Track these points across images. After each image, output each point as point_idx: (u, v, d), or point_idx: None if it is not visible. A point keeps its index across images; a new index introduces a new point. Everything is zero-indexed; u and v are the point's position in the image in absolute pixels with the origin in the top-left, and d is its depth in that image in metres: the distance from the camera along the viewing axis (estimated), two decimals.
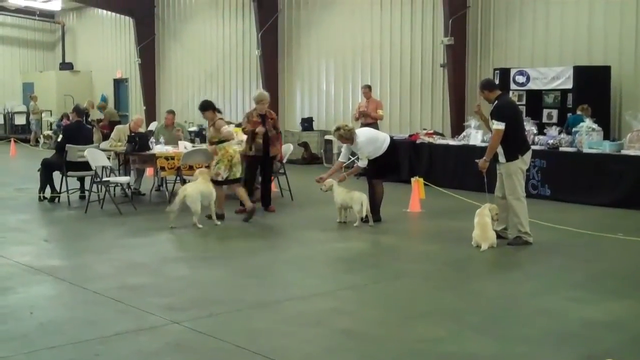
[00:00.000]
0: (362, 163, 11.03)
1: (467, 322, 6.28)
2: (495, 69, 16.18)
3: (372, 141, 11.01)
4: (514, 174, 9.18)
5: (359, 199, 10.63)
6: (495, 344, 5.74)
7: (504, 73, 15.65)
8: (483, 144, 13.85)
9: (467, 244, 9.14)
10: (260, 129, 11.66)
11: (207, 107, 11.50)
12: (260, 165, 11.99)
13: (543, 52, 16.01)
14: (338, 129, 10.95)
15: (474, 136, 14.41)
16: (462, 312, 6.56)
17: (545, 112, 15.17)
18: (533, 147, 12.98)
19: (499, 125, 9.05)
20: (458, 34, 17.05)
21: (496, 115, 9.16)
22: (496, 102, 9.29)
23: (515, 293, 7.29)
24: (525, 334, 5.94)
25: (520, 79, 15.37)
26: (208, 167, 11.38)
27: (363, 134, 11.12)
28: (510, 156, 9.14)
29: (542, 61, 15.87)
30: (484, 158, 9.24)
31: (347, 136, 10.86)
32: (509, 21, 16.64)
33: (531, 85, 15.21)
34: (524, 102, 15.40)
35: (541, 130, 13.81)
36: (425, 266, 8.49)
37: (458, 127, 16.23)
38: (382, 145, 11.00)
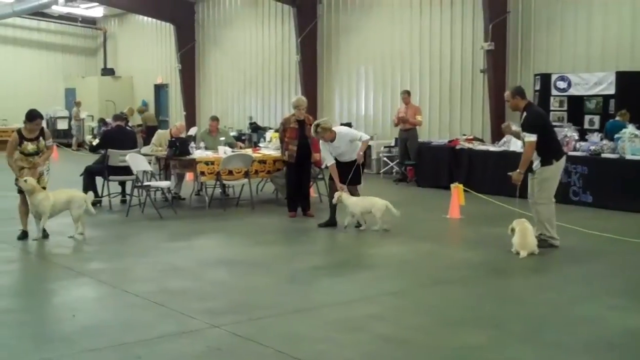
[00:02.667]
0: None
1: (508, 329, 6.24)
2: (535, 75, 16.06)
3: (352, 138, 11.03)
4: (548, 179, 9.25)
5: (383, 204, 10.63)
6: (536, 352, 5.69)
7: (545, 78, 15.53)
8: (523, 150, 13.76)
9: (507, 251, 9.07)
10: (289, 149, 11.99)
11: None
12: (301, 171, 12.05)
13: (585, 57, 15.82)
14: (317, 125, 10.96)
15: (514, 142, 14.26)
16: (502, 319, 6.52)
17: (587, 118, 15.00)
18: (574, 153, 13.00)
19: (530, 138, 9.05)
20: (498, 39, 16.93)
21: (527, 127, 9.15)
22: (525, 113, 9.25)
23: (555, 300, 7.22)
24: (567, 342, 5.88)
25: (562, 84, 15.23)
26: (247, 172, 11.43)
27: (342, 129, 11.19)
28: (546, 162, 9.18)
29: (583, 66, 15.69)
30: (518, 170, 9.21)
31: (328, 126, 10.89)
32: (550, 26, 16.48)
33: (572, 91, 15.06)
34: (565, 107, 15.28)
35: (583, 137, 13.66)
36: (464, 272, 8.44)
37: (498, 132, 16.09)
38: (356, 149, 11.00)
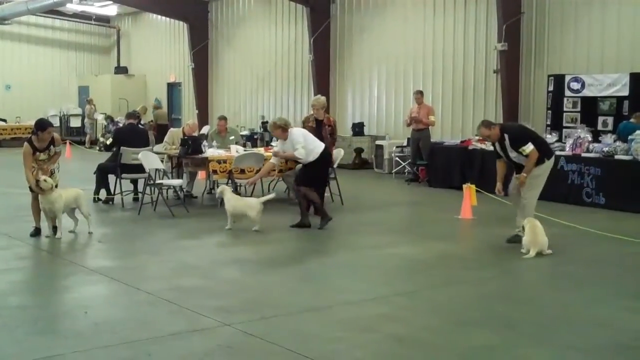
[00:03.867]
0: (299, 153, 10.79)
1: (520, 330, 6.21)
2: (549, 75, 16.02)
3: (307, 139, 10.90)
4: (540, 176, 9.66)
5: (257, 203, 10.65)
6: (548, 353, 5.67)
7: (559, 79, 15.49)
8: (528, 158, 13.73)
9: (519, 252, 9.04)
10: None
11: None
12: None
13: (599, 58, 15.75)
14: (274, 122, 11.01)
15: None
16: (515, 321, 6.49)
17: (601, 119, 14.96)
18: (587, 154, 12.99)
19: (529, 147, 9.44)
20: (512, 39, 16.88)
21: (518, 142, 9.52)
22: (506, 135, 9.61)
23: (568, 302, 7.19)
24: (580, 344, 5.86)
25: (575, 85, 15.19)
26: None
27: (295, 133, 11.01)
28: (539, 162, 9.57)
29: (597, 67, 15.63)
30: (524, 174, 9.57)
31: (282, 124, 10.83)
32: (564, 27, 16.42)
33: (586, 92, 15.01)
34: (578, 109, 15.24)
35: (596, 138, 13.60)
36: (477, 273, 8.42)
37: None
38: (314, 150, 10.85)
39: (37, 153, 9.94)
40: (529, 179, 9.59)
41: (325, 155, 11.02)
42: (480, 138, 15.93)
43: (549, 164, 9.75)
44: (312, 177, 10.92)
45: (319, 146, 10.93)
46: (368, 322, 6.40)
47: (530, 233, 9.03)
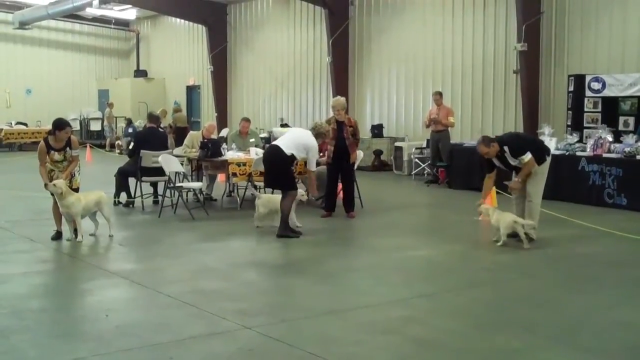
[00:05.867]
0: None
1: (542, 333, 6.16)
2: (569, 75, 15.93)
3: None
4: (543, 173, 10.06)
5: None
6: (570, 357, 5.63)
7: (579, 79, 15.40)
8: (557, 152, 13.65)
9: (541, 254, 9.00)
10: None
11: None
12: (340, 172, 12.08)
13: (620, 58, 15.64)
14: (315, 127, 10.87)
15: (548, 143, 14.11)
16: (536, 323, 6.44)
17: (622, 119, 14.87)
18: (608, 155, 12.96)
19: (527, 157, 9.80)
20: (532, 39, 16.80)
21: (517, 153, 9.84)
22: (505, 147, 9.87)
23: (590, 304, 7.13)
24: (603, 347, 5.81)
25: (596, 85, 15.09)
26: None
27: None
28: (539, 160, 9.94)
29: (618, 67, 15.52)
30: (517, 180, 9.96)
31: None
32: (584, 26, 16.32)
33: (607, 92, 14.91)
34: (599, 109, 15.14)
35: (617, 138, 13.51)
36: (497, 275, 8.38)
37: (531, 134, 15.94)
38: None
39: (52, 152, 9.95)
40: (532, 175, 9.94)
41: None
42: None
43: (548, 161, 10.15)
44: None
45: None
46: (388, 324, 6.38)
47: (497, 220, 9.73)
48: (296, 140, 10.51)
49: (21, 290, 7.59)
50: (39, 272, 8.58)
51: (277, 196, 10.71)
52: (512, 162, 9.93)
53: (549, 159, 10.16)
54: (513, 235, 9.72)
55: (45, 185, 9.79)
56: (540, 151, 10.10)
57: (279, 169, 10.45)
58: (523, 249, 9.48)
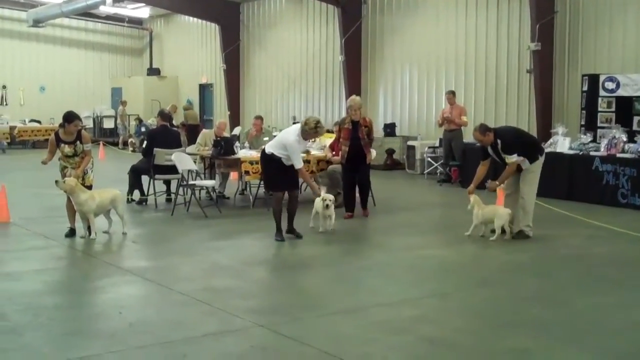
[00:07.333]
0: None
1: (555, 333, 6.15)
2: (583, 75, 15.86)
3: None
4: (536, 172, 10.15)
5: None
6: (584, 358, 5.61)
7: (593, 79, 15.33)
8: (571, 152, 13.62)
9: (553, 253, 8.97)
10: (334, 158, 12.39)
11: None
12: (354, 172, 12.04)
13: (634, 57, 15.58)
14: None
15: (561, 143, 14.12)
16: (549, 323, 6.42)
17: (636, 119, 14.81)
18: (623, 155, 12.88)
19: (512, 158, 9.95)
20: (545, 39, 16.75)
21: (507, 150, 9.99)
22: (499, 141, 10.01)
23: (603, 305, 7.09)
24: (615, 348, 5.79)
25: (610, 85, 15.03)
26: None
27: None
28: (532, 159, 10.10)
29: (632, 67, 15.45)
30: (497, 182, 10.29)
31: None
32: (598, 26, 16.26)
33: (621, 92, 14.85)
34: (613, 109, 15.07)
35: (631, 138, 13.45)
36: (509, 275, 8.36)
37: (544, 133, 15.92)
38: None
39: (62, 145, 10.01)
40: (525, 174, 10.10)
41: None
42: None
43: (541, 160, 10.23)
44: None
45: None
46: (401, 324, 6.38)
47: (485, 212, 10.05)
48: (278, 138, 10.27)
49: (35, 287, 7.64)
50: (53, 269, 8.63)
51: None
52: (503, 156, 10.08)
53: (542, 158, 10.23)
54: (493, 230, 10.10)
55: (56, 182, 9.84)
56: (534, 150, 10.19)
57: (261, 168, 10.68)
58: (534, 249, 9.46)
